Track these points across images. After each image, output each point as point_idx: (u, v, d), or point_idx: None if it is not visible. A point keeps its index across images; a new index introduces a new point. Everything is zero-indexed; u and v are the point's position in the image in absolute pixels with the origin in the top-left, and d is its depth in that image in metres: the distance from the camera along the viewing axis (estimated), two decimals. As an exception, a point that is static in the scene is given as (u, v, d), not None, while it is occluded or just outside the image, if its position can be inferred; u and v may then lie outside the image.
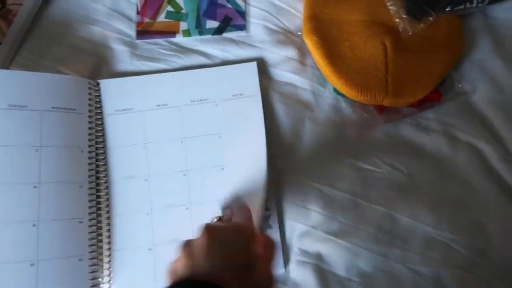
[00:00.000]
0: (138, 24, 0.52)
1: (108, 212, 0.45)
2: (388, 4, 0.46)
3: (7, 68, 0.50)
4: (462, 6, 0.45)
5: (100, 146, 0.46)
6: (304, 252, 0.43)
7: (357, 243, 0.42)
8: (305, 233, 0.43)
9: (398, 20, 0.45)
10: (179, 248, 0.33)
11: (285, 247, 0.43)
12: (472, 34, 0.48)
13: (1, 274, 0.39)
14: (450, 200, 0.43)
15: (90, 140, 0.45)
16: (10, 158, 0.42)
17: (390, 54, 0.44)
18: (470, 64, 0.47)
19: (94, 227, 0.43)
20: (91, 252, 0.42)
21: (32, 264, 0.40)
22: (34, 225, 0.40)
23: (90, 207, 0.43)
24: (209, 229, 0.32)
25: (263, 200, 0.41)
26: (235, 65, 0.49)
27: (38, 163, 0.42)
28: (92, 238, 0.43)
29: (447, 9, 0.45)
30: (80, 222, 0.42)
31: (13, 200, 0.41)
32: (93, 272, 0.42)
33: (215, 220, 0.39)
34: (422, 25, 0.45)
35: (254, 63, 0.48)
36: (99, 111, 0.48)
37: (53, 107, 0.44)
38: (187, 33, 0.51)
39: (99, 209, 0.44)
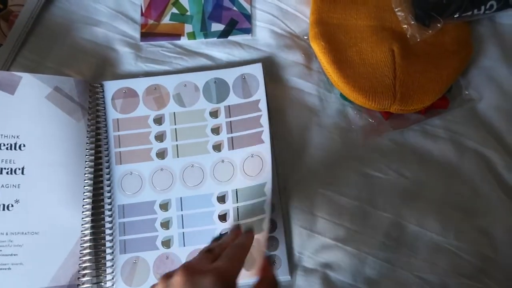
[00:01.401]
0: (142, 26, 0.51)
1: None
2: (396, 10, 0.46)
3: (8, 69, 0.49)
4: (469, 13, 0.45)
5: (104, 149, 0.46)
6: (311, 259, 0.43)
7: (364, 250, 0.42)
8: (312, 240, 0.43)
9: (406, 26, 0.45)
10: (160, 278, 0.31)
11: (291, 253, 0.43)
12: (480, 40, 0.48)
13: None
14: (457, 208, 0.43)
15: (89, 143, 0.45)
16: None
17: (398, 60, 0.44)
18: (477, 71, 0.47)
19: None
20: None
21: None
22: None
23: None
24: (186, 270, 0.29)
25: (268, 220, 0.40)
26: (240, 67, 0.48)
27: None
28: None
29: (455, 16, 0.45)
30: None
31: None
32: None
33: (205, 251, 0.35)
34: (430, 31, 0.45)
35: (259, 65, 0.48)
36: (102, 113, 0.47)
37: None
38: (192, 35, 0.51)
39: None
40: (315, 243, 0.43)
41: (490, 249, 0.42)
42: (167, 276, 0.30)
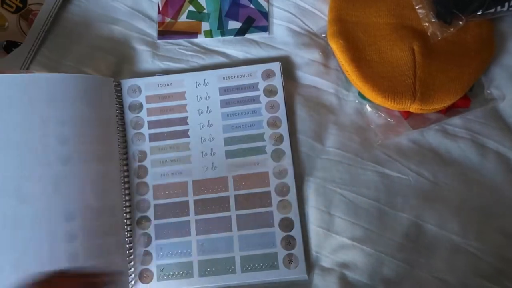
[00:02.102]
0: (159, 24, 0.51)
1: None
2: (417, 7, 0.45)
3: (27, 68, 0.50)
4: (493, 10, 0.44)
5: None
6: (328, 258, 0.42)
7: (382, 250, 0.42)
8: (329, 239, 0.43)
9: (427, 23, 0.44)
10: None
11: (308, 252, 0.43)
12: (502, 38, 0.46)
13: None
14: (477, 209, 0.42)
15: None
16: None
17: (418, 59, 0.43)
18: (499, 70, 0.46)
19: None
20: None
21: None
22: None
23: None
24: None
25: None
26: (258, 65, 0.48)
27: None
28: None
29: (478, 13, 0.44)
30: None
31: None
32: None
33: None
34: (452, 29, 0.44)
35: (278, 64, 0.48)
36: (121, 111, 0.47)
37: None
38: (209, 33, 0.51)
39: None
40: (332, 243, 0.43)
41: (511, 251, 0.41)
42: None
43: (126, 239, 0.43)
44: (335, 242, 0.43)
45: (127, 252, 0.43)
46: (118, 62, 0.50)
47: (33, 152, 0.41)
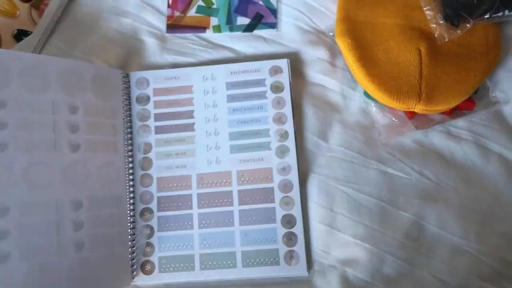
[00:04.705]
0: (169, 17, 0.52)
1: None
2: (425, 8, 0.45)
3: (37, 56, 0.50)
4: (500, 14, 0.44)
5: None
6: (329, 255, 0.43)
7: (383, 249, 0.42)
8: (331, 236, 0.43)
9: (434, 25, 0.45)
10: None
11: (309, 249, 0.43)
12: (509, 42, 0.47)
13: None
14: (479, 211, 0.43)
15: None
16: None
17: (424, 60, 0.43)
18: (505, 73, 0.46)
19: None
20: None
21: None
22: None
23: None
24: None
25: None
26: (266, 61, 0.48)
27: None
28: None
29: (485, 16, 0.44)
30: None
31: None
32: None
33: None
34: (459, 31, 0.44)
35: (286, 60, 0.48)
36: (128, 102, 0.48)
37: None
38: (217, 29, 0.51)
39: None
40: (334, 240, 0.43)
41: (510, 254, 0.41)
42: None
43: (129, 230, 0.44)
44: (337, 239, 0.43)
45: (129, 243, 0.44)
46: (126, 54, 0.51)
47: (45, 136, 0.40)
